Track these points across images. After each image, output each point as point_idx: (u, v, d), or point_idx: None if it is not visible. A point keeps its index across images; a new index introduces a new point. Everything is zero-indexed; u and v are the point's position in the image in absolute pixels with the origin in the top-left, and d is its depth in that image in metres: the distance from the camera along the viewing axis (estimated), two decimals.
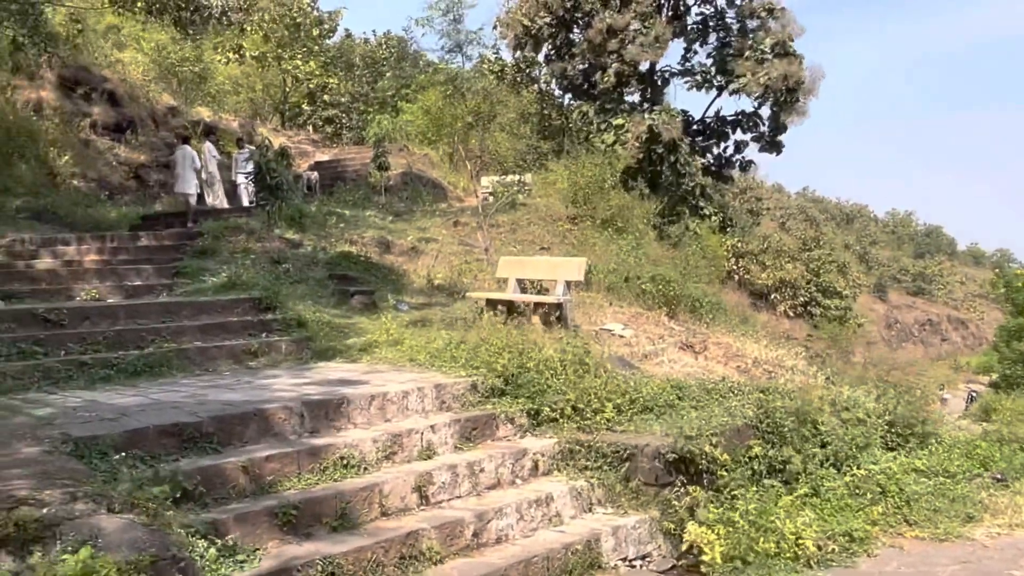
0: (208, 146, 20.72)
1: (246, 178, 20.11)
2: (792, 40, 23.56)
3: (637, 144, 23.77)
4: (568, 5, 25.83)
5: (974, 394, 36.01)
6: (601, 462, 6.41)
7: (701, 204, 24.17)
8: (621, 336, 10.64)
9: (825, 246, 47.42)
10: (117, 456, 4.84)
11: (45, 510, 3.63)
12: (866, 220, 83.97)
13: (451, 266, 15.18)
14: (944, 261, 78.47)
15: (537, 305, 10.38)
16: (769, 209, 61.01)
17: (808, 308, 40.46)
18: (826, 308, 40.65)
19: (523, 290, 11.34)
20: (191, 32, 37.50)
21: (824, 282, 41.83)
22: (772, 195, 66.97)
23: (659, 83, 26.29)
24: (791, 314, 39.62)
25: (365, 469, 5.65)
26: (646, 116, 24.03)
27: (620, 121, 24.00)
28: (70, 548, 3.40)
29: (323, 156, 29.16)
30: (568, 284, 10.53)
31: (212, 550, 4.33)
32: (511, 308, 10.65)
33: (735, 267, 38.74)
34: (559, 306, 10.35)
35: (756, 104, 24.77)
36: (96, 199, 21.10)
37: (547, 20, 26.33)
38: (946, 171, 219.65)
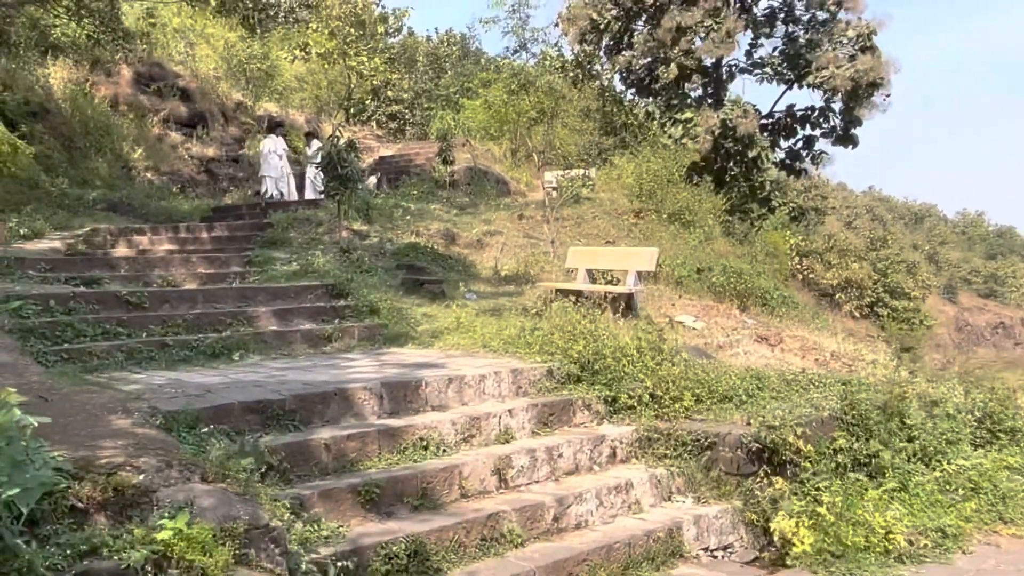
0: (277, 140, 21.11)
1: (316, 170, 20.49)
2: (876, 33, 22.88)
3: (710, 138, 23.35)
4: None
5: None
6: (680, 450, 6.29)
7: (773, 197, 23.66)
8: (693, 328, 10.47)
9: (893, 246, 46.29)
10: (205, 429, 4.89)
11: (142, 476, 3.66)
12: (935, 220, 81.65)
13: (518, 258, 15.14)
14: (1017, 263, 75.85)
15: (608, 295, 10.27)
16: (835, 208, 59.79)
17: (875, 309, 39.48)
18: (893, 309, 39.64)
19: (592, 280, 11.25)
20: (259, 31, 38.22)
21: (892, 282, 40.81)
22: (837, 193, 65.57)
23: (724, 78, 25.83)
24: (857, 315, 38.70)
25: (444, 451, 5.63)
26: (718, 111, 23.63)
27: (689, 115, 23.63)
28: (167, 514, 3.42)
29: (387, 151, 29.41)
30: (639, 274, 10.40)
31: (299, 523, 4.34)
32: (580, 298, 10.56)
33: (799, 266, 38.05)
34: (629, 296, 10.23)
35: (826, 99, 24.15)
36: (169, 192, 21.63)
37: (613, 13, 26.06)
38: (1020, 170, 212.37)
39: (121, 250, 13.44)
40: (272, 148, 20.84)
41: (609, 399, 6.76)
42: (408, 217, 17.64)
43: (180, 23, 33.00)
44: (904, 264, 45.11)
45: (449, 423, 5.79)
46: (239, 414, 5.24)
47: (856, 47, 22.65)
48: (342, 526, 4.65)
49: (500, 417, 6.10)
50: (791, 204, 26.34)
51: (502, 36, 42.29)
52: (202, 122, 25.06)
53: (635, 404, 6.70)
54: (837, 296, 39.62)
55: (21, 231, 14.09)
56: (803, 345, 9.59)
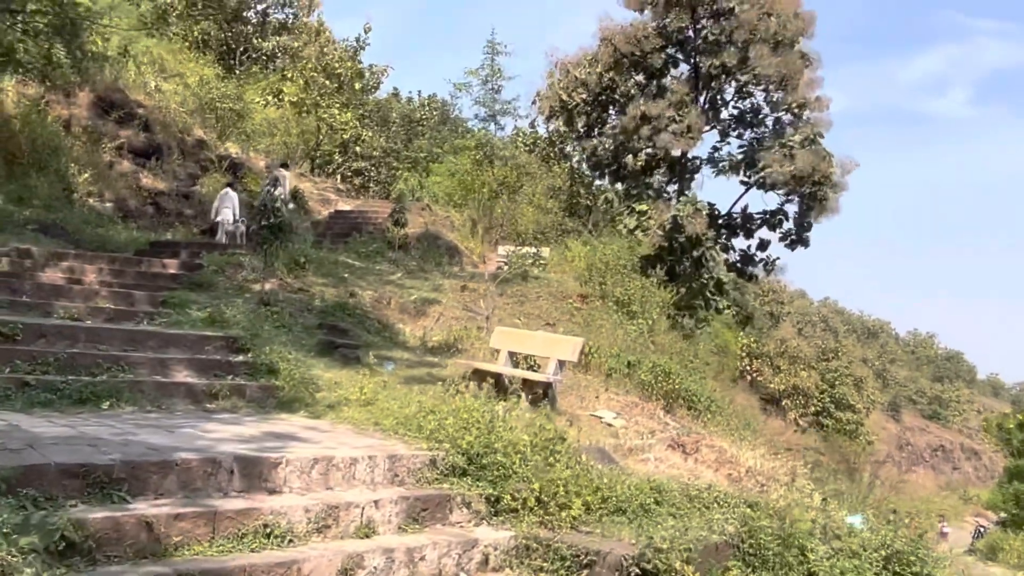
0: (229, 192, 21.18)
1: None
2: (822, 136, 23.38)
3: (660, 232, 23.41)
4: (605, 85, 25.84)
5: (982, 529, 34.71)
6: (559, 565, 5.74)
7: (717, 298, 23.62)
8: (611, 425, 10.01)
9: (843, 358, 46.67)
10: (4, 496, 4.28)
11: None
12: (887, 337, 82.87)
13: (450, 330, 14.67)
14: (963, 388, 76.95)
15: (525, 382, 9.81)
16: (790, 314, 60.35)
17: (820, 419, 39.52)
18: (838, 420, 39.76)
19: (515, 364, 10.79)
20: (238, 71, 38.05)
21: (838, 394, 41.03)
22: (794, 300, 66.34)
23: (688, 170, 26.09)
24: (801, 423, 38.68)
25: (290, 542, 5.03)
26: (672, 204, 23.74)
27: (644, 207, 23.70)
28: None
29: (345, 206, 29.04)
30: (561, 363, 9.97)
31: None
32: (499, 381, 10.10)
33: (748, 367, 37.99)
34: (548, 385, 9.78)
35: (783, 200, 24.51)
36: (109, 220, 20.93)
37: (584, 97, 26.32)
38: (973, 297, 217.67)
39: (39, 275, 12.77)
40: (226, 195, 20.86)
41: (492, 498, 6.22)
42: (347, 274, 17.17)
43: (156, 54, 32.71)
44: (852, 378, 45.41)
45: (303, 510, 5.21)
46: (55, 478, 4.63)
47: (801, 148, 23.11)
48: None
49: (364, 508, 5.54)
50: (736, 307, 26.28)
51: (472, 104, 42.88)
52: (158, 154, 24.53)
53: (519, 507, 6.17)
54: (784, 402, 39.64)
55: None
56: (720, 457, 9.16)
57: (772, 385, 39.07)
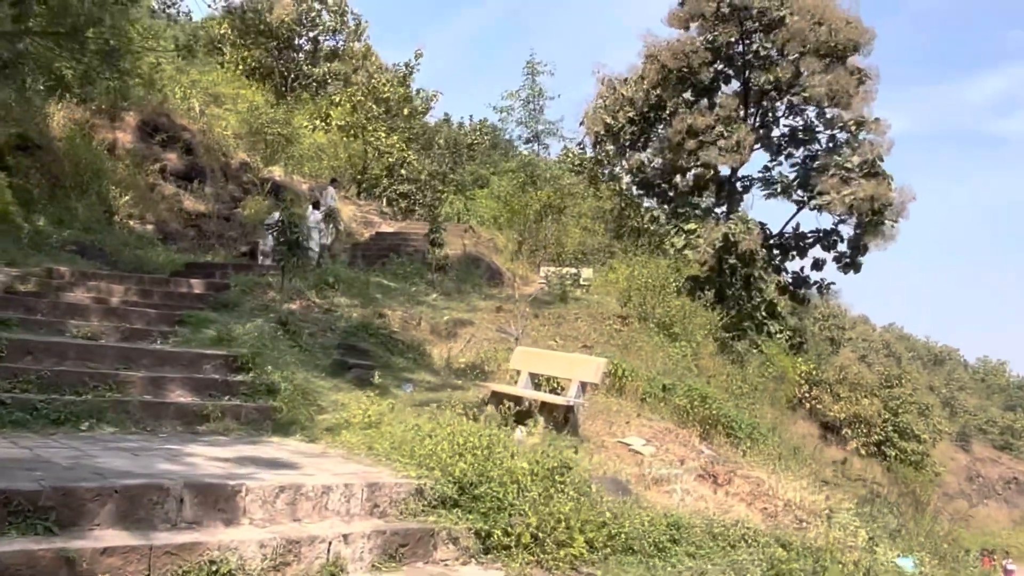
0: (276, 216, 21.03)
1: (318, 232, 20.22)
2: (882, 159, 22.22)
3: (710, 251, 22.53)
4: (652, 103, 25.17)
5: None
6: None
7: (769, 321, 22.58)
8: (638, 453, 9.27)
9: (907, 385, 44.81)
10: None
11: None
12: (955, 364, 79.73)
13: (479, 351, 14.08)
14: None
15: (544, 405, 9.14)
16: (851, 339, 58.44)
17: (882, 448, 37.85)
18: (902, 451, 38.00)
19: (537, 386, 10.14)
20: (289, 98, 38.40)
21: (902, 423, 39.27)
22: (856, 326, 64.33)
23: (739, 190, 25.18)
24: (863, 452, 37.09)
25: None
26: (722, 224, 22.86)
27: (692, 226, 22.86)
28: None
29: (387, 228, 28.76)
30: (583, 385, 9.28)
31: None
32: (519, 404, 9.45)
33: (807, 395, 36.60)
34: (569, 409, 9.10)
35: (836, 221, 23.40)
36: (148, 242, 20.92)
37: (630, 115, 25.67)
38: None
39: (65, 295, 12.60)
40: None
41: (483, 533, 5.56)
42: (379, 295, 16.74)
43: (209, 81, 33.18)
44: (916, 406, 43.53)
45: (257, 545, 4.63)
46: None
47: (862, 173, 21.95)
48: None
49: (331, 543, 4.94)
50: (790, 331, 25.18)
51: (515, 126, 42.54)
52: (200, 177, 24.59)
53: (511, 544, 5.49)
54: (844, 431, 38.09)
55: None
56: (755, 489, 8.35)
57: (832, 413, 37.59)
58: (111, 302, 12.67)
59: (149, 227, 21.97)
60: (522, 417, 9.18)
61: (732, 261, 22.56)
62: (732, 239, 22.04)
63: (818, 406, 37.97)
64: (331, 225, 22.68)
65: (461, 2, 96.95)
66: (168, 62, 29.20)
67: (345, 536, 5.01)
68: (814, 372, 36.03)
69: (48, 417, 6.71)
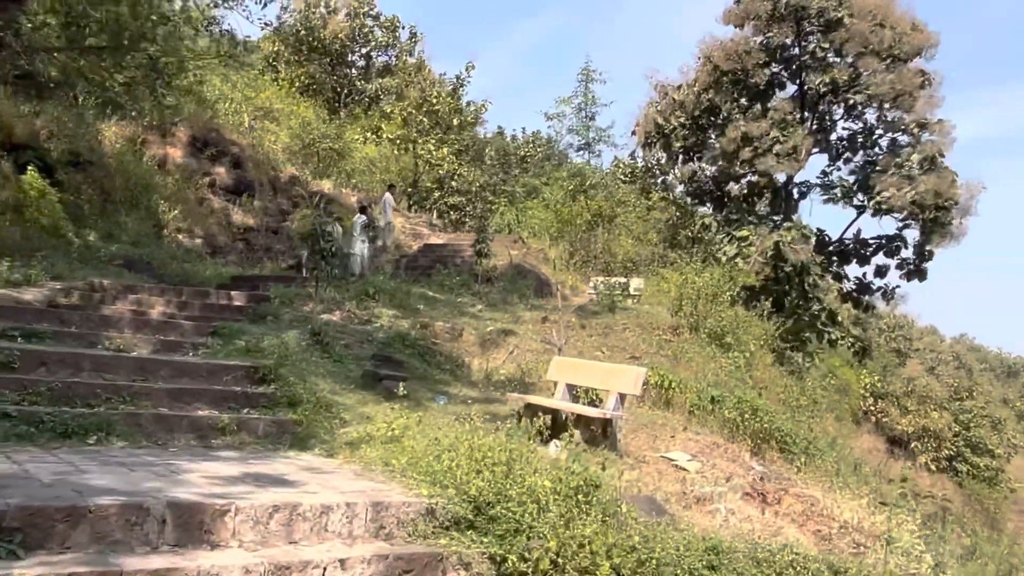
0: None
1: (363, 243, 20.06)
2: (943, 155, 21.16)
3: (762, 259, 21.72)
4: (704, 107, 24.46)
5: None
6: None
7: (830, 329, 21.64)
8: (682, 469, 8.69)
9: (979, 398, 42.97)
10: None
11: None
12: None
13: (521, 363, 13.62)
14: None
15: (580, 418, 8.63)
16: (918, 351, 56.38)
17: (953, 463, 36.24)
18: (974, 466, 36.32)
19: (575, 398, 9.63)
20: (342, 113, 38.64)
21: (974, 437, 37.55)
22: (923, 336, 62.09)
23: (795, 196, 24.28)
24: (932, 468, 35.54)
25: None
26: (774, 232, 22.02)
27: (744, 233, 22.05)
28: None
29: (436, 240, 28.51)
30: (622, 397, 8.74)
31: None
32: (555, 417, 8.95)
33: (872, 407, 35.26)
34: (608, 422, 8.57)
35: (900, 226, 22.31)
36: (196, 256, 21.02)
37: (681, 120, 24.99)
38: None
39: (105, 307, 12.57)
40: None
41: (498, 558, 5.07)
42: (422, 306, 16.41)
43: (264, 99, 33.53)
44: (989, 419, 41.63)
45: (241, 570, 4.23)
46: None
47: (923, 170, 20.92)
48: None
49: (326, 568, 4.51)
50: (848, 339, 24.12)
51: (566, 133, 42.08)
52: (249, 191, 24.68)
53: (529, 571, 4.99)
54: (912, 445, 36.55)
55: (13, 276, 13.31)
56: (809, 509, 7.69)
57: (899, 427, 36.12)
58: (150, 314, 12.60)
59: (197, 241, 22.08)
60: (557, 431, 8.69)
61: (787, 269, 21.69)
62: (783, 248, 21.20)
63: (884, 419, 36.60)
64: (379, 235, 22.54)
65: (515, 16, 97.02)
66: (218, 76, 29.45)
67: (343, 561, 4.58)
68: (879, 384, 34.73)
69: (54, 430, 6.45)
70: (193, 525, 4.48)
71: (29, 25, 17.20)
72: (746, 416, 10.81)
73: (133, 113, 22.82)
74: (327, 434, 7.57)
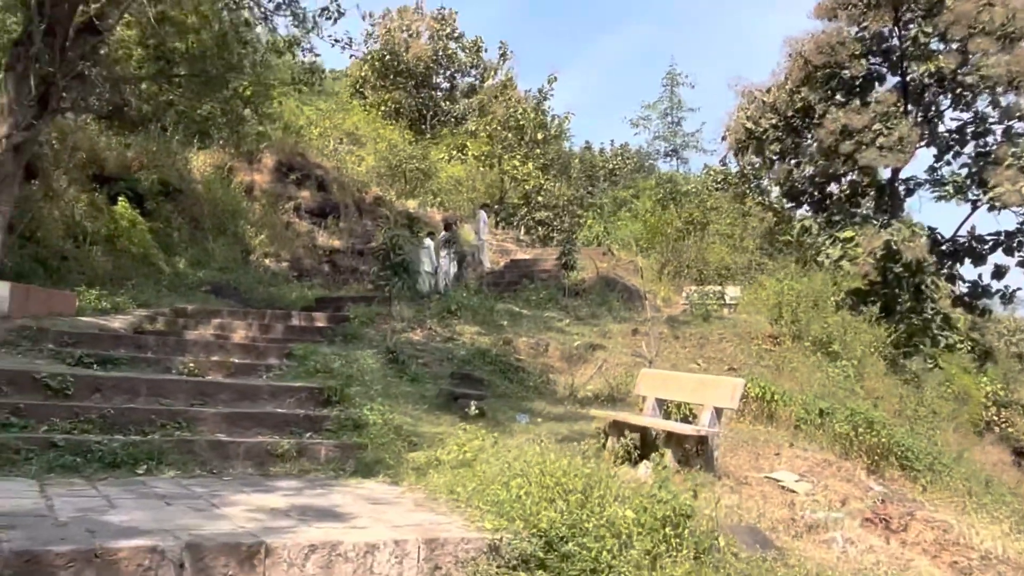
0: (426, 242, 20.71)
1: (447, 260, 19.72)
2: None
3: (870, 261, 20.26)
4: (798, 106, 23.18)
5: None
6: None
7: (944, 334, 19.99)
8: (790, 491, 7.76)
9: None
10: None
11: None
12: None
13: (612, 378, 12.83)
14: None
15: (671, 435, 7.81)
16: None
17: None
18: None
19: (667, 414, 8.81)
20: (428, 135, 38.72)
21: None
22: None
23: (901, 193, 22.67)
24: None
25: None
26: (883, 230, 20.53)
27: (849, 234, 20.60)
28: None
29: (523, 255, 27.96)
30: (719, 412, 7.88)
31: None
32: (644, 436, 8.16)
33: (995, 417, 32.87)
34: (702, 440, 7.72)
35: (1021, 221, 20.50)
36: (283, 279, 21.02)
37: (773, 122, 23.75)
38: None
39: (188, 332, 12.52)
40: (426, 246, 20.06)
41: None
42: (505, 322, 15.82)
43: (352, 124, 33.86)
44: None
45: None
46: None
47: None
48: None
49: None
50: (967, 343, 22.29)
51: (652, 139, 40.99)
52: (334, 213, 24.66)
53: None
54: None
55: (102, 304, 13.36)
56: (941, 536, 6.67)
57: None
58: (231, 338, 12.47)
59: (284, 264, 22.10)
60: (647, 451, 7.90)
61: (898, 270, 20.17)
62: (895, 246, 19.70)
63: (1010, 429, 34.10)
64: (466, 253, 22.16)
65: (598, 31, 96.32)
66: (305, 105, 29.77)
67: None
68: (1002, 392, 32.36)
69: (103, 460, 6.07)
70: (216, 571, 3.92)
71: (113, 57, 17.49)
72: (860, 430, 9.73)
73: (220, 141, 23.19)
74: (394, 459, 6.98)
